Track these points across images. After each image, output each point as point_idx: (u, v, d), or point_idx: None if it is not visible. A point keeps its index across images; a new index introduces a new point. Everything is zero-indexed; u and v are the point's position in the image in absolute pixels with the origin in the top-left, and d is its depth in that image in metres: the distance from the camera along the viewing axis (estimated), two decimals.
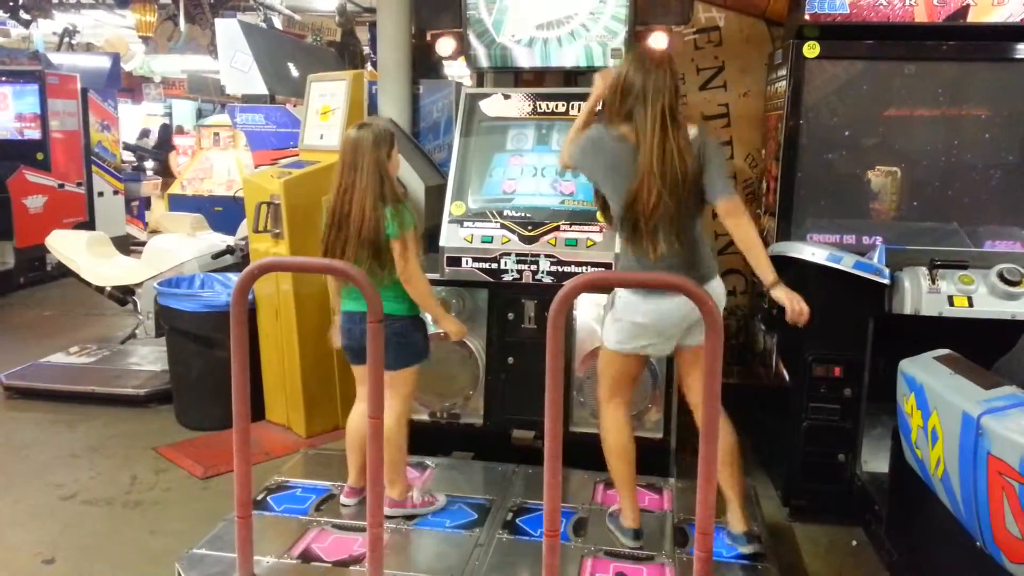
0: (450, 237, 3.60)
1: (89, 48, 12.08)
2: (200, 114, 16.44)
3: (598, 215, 3.44)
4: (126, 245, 8.72)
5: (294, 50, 6.73)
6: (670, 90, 2.66)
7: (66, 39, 10.47)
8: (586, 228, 3.48)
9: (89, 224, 8.58)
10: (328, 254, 2.92)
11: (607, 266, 3.39)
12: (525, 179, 3.71)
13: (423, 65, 4.47)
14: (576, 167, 2.93)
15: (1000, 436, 2.07)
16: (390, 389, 2.97)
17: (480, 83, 4.24)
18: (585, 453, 3.35)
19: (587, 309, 3.57)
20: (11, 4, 9.37)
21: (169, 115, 17.85)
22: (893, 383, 2.82)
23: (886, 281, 3.13)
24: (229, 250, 5.31)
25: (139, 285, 5.42)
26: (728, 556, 2.79)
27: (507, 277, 3.53)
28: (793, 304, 2.68)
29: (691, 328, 2.71)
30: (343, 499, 3.14)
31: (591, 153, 2.78)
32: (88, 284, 5.59)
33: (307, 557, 2.74)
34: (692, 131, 2.68)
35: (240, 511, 2.52)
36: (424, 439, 3.68)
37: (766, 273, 2.70)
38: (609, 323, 2.82)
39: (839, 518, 3.36)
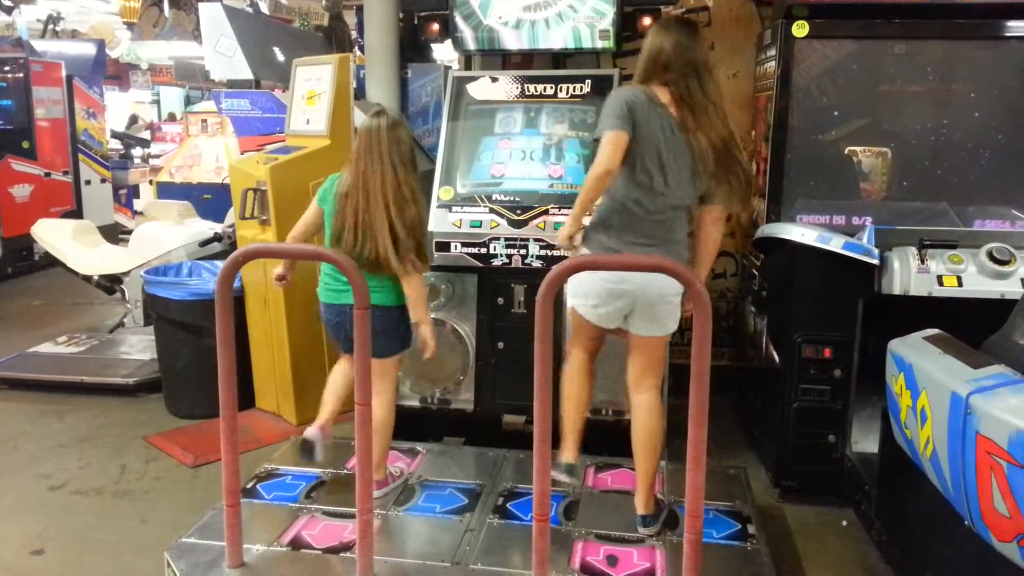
0: (439, 222, 3.58)
1: (74, 35, 11.94)
2: (188, 101, 16.33)
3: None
4: (114, 233, 8.66)
5: (280, 34, 6.64)
6: (707, 61, 2.69)
7: (50, 26, 10.33)
8: None
9: (76, 213, 8.51)
10: (358, 246, 2.85)
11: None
12: (514, 163, 3.68)
13: (411, 48, 4.43)
14: (627, 128, 2.64)
15: (988, 415, 2.07)
16: (380, 376, 2.99)
17: (468, 66, 4.20)
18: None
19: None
20: None
21: (157, 102, 17.74)
22: (883, 363, 2.82)
23: (875, 261, 3.12)
24: (217, 238, 5.27)
25: (126, 274, 5.37)
26: (718, 538, 2.79)
27: (496, 262, 3.52)
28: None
29: (642, 311, 2.73)
30: (309, 433, 3.05)
31: (631, 114, 2.63)
32: (75, 273, 5.54)
33: (297, 544, 2.73)
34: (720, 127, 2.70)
35: (229, 499, 2.52)
36: (415, 425, 3.67)
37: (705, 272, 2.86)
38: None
39: (829, 499, 3.37)
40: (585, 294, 2.79)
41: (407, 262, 2.85)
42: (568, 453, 2.91)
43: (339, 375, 3.18)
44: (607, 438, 3.49)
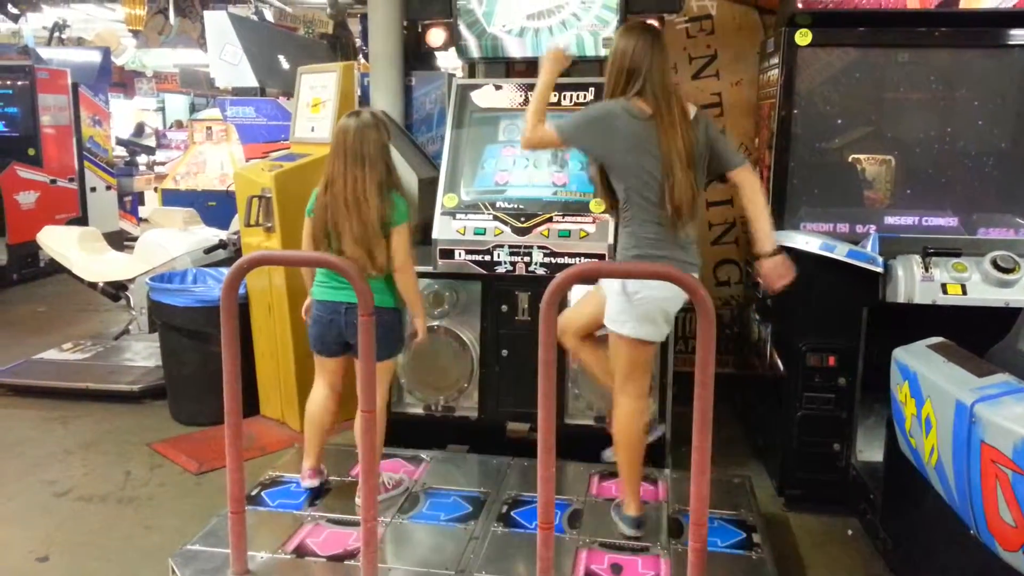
0: (443, 229, 3.58)
1: (79, 43, 12.01)
2: (193, 108, 16.40)
3: (593, 204, 3.44)
4: (119, 241, 8.69)
5: (284, 42, 6.69)
6: (670, 68, 2.74)
7: (56, 33, 10.39)
8: (579, 219, 3.47)
9: (82, 220, 8.55)
10: (330, 246, 2.87)
11: (600, 257, 3.37)
12: (517, 170, 3.69)
13: (415, 56, 4.44)
14: (572, 143, 2.83)
15: (993, 424, 2.06)
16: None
17: (471, 74, 4.21)
18: (580, 445, 3.35)
19: None
20: None
21: (162, 110, 17.82)
22: (887, 372, 2.82)
23: (879, 270, 3.12)
24: (221, 244, 5.28)
25: (131, 280, 5.38)
26: (723, 546, 2.79)
27: (500, 269, 3.52)
28: (780, 274, 2.80)
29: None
30: (307, 482, 3.12)
31: (601, 131, 2.72)
32: (81, 280, 5.56)
33: (301, 552, 2.73)
34: (692, 110, 2.75)
35: (233, 507, 2.52)
36: (419, 432, 3.67)
37: (770, 240, 2.79)
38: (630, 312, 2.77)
39: (834, 507, 3.36)
40: (653, 319, 2.73)
41: (383, 261, 2.86)
42: (635, 506, 2.89)
43: (317, 408, 3.14)
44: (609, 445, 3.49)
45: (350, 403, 3.14)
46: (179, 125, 15.37)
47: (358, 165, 2.85)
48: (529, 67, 4.12)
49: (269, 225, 3.98)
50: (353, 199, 2.84)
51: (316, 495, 3.13)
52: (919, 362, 2.60)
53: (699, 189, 2.72)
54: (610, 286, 2.75)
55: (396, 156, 3.56)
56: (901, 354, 2.74)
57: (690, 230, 2.75)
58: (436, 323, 3.69)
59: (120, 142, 12.34)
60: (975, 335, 2.59)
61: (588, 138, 2.78)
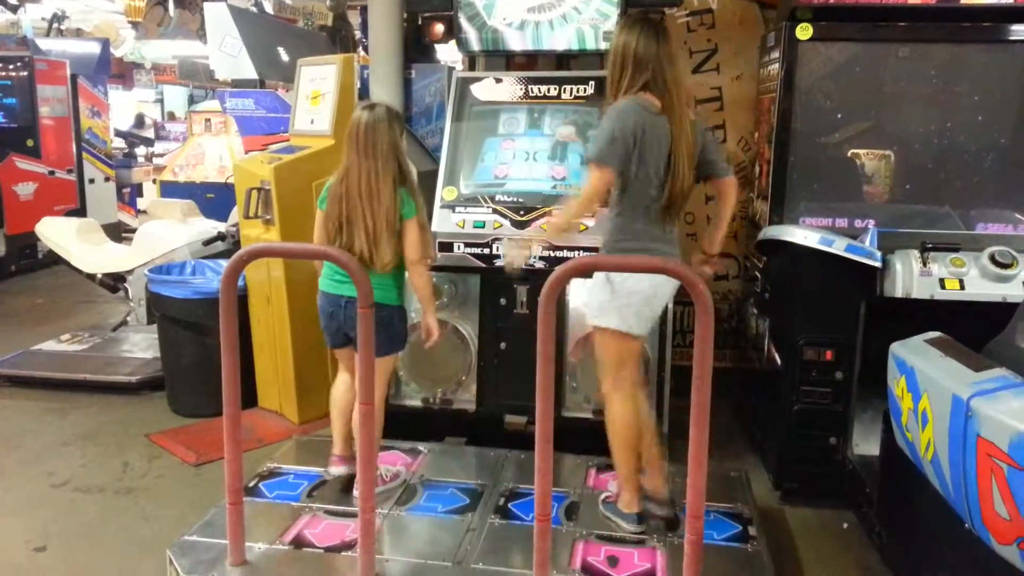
0: (442, 222, 3.59)
1: (78, 33, 11.97)
2: (192, 100, 16.38)
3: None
4: (118, 232, 8.68)
5: (284, 34, 6.68)
6: (677, 59, 2.76)
7: (55, 24, 10.36)
8: None
9: (80, 211, 8.54)
10: (341, 238, 2.88)
11: (598, 251, 3.37)
12: (517, 163, 3.69)
13: (415, 49, 4.44)
14: (613, 166, 2.66)
15: (990, 418, 2.07)
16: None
17: (472, 67, 4.21)
18: (577, 438, 3.36)
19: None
20: None
21: (161, 101, 17.79)
22: (884, 366, 2.82)
23: (878, 264, 3.12)
24: (220, 237, 5.27)
25: (130, 272, 5.38)
26: (719, 539, 2.80)
27: (499, 262, 3.52)
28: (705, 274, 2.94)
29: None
30: (332, 469, 3.13)
31: (630, 143, 2.64)
32: (79, 271, 5.55)
33: (299, 543, 2.73)
34: (690, 114, 2.76)
35: (231, 498, 2.53)
36: (417, 424, 3.68)
37: (717, 245, 2.96)
38: (613, 302, 2.76)
39: (830, 501, 3.37)
40: (638, 312, 2.74)
41: (390, 257, 2.86)
42: (638, 502, 2.89)
43: (341, 395, 3.16)
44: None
45: None
46: (171, 117, 15.34)
47: (370, 158, 2.85)
48: (529, 60, 4.13)
49: (268, 217, 3.98)
50: (367, 192, 2.84)
51: (314, 486, 3.13)
52: (916, 357, 2.60)
53: (692, 185, 2.78)
54: (594, 278, 2.76)
55: None
56: (898, 349, 2.75)
57: (675, 224, 2.81)
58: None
59: (119, 133, 12.31)
60: (972, 330, 2.60)
61: (622, 154, 2.66)
